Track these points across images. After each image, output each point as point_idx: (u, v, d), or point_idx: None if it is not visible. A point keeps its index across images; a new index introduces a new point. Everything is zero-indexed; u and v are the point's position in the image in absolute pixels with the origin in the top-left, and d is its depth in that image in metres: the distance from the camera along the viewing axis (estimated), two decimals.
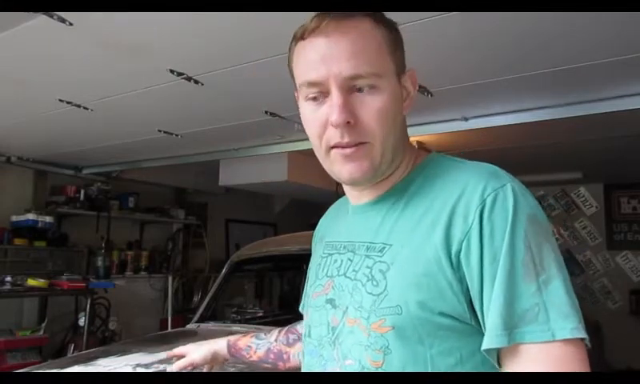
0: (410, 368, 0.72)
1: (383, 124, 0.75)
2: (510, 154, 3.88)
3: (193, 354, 1.23)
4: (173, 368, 1.23)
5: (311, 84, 0.76)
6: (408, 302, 0.72)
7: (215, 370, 1.25)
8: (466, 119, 2.82)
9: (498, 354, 0.68)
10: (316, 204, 6.24)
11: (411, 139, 3.06)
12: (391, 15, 1.74)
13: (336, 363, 0.79)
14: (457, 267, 0.70)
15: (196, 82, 2.30)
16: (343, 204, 0.95)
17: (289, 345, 1.17)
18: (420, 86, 2.34)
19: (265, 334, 1.22)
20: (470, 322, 0.71)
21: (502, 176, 0.74)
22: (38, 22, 1.75)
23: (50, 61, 2.14)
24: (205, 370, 1.23)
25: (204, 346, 1.24)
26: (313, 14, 0.78)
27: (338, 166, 0.78)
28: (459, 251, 0.70)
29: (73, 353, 3.78)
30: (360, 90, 0.75)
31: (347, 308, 0.79)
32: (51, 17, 1.70)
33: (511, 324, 0.66)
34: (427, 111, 2.74)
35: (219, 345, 1.24)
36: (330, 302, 0.83)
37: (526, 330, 0.65)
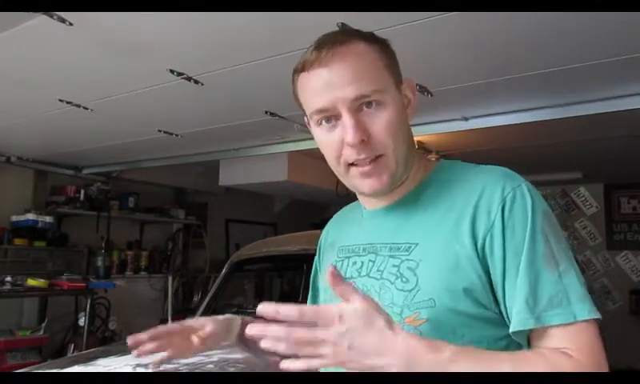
0: None
1: (394, 135, 0.82)
2: (510, 154, 3.88)
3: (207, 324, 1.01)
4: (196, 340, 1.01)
5: (320, 111, 0.82)
6: (441, 295, 0.78)
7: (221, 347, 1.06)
8: (466, 119, 2.82)
9: (528, 336, 0.76)
10: (316, 204, 6.25)
11: None
12: (392, 15, 1.74)
13: None
14: (482, 260, 0.77)
15: (196, 81, 2.30)
16: (352, 210, 1.01)
17: None
18: (420, 86, 2.34)
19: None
20: (495, 310, 0.78)
21: (517, 177, 0.82)
22: (37, 22, 1.75)
23: (50, 61, 2.14)
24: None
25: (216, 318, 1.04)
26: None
27: (359, 181, 0.85)
28: (484, 245, 0.77)
29: (73, 353, 3.78)
30: (368, 107, 0.81)
31: None
32: (51, 17, 1.69)
33: (538, 309, 0.73)
34: (427, 111, 2.74)
35: (235, 320, 1.06)
36: None
37: (552, 314, 0.73)
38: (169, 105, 2.73)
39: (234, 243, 5.79)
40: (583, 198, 5.55)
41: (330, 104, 0.81)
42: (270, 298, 5.67)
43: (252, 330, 0.67)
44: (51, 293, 3.95)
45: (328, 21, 1.67)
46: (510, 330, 0.75)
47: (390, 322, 0.69)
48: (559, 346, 0.72)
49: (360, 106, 0.80)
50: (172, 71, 2.20)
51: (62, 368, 1.86)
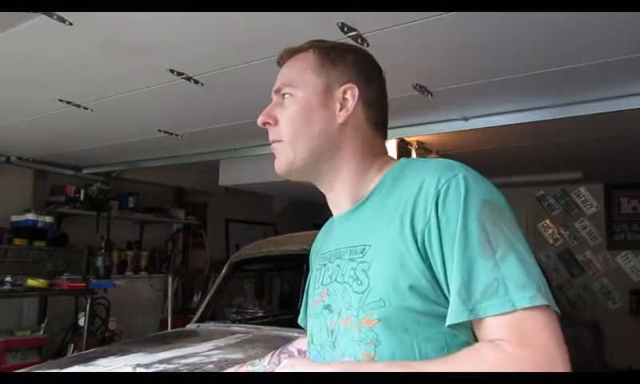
0: (399, 357, 0.77)
1: (294, 127, 0.91)
2: (510, 153, 3.88)
3: None
4: None
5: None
6: (389, 295, 0.78)
7: None
8: (466, 119, 2.82)
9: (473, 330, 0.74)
10: (316, 204, 6.22)
11: (411, 139, 3.05)
12: (392, 15, 1.74)
13: None
14: (425, 257, 0.77)
15: (196, 81, 2.30)
16: (333, 218, 1.02)
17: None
18: (420, 86, 2.35)
19: (259, 360, 1.24)
20: (446, 305, 0.75)
21: (455, 167, 0.81)
22: (37, 22, 1.75)
23: (50, 61, 2.14)
24: None
25: None
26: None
27: None
28: (423, 241, 0.77)
29: (73, 353, 3.78)
30: (285, 98, 0.93)
31: (340, 310, 0.85)
32: (51, 17, 1.70)
33: (472, 300, 0.71)
34: (427, 111, 2.74)
35: None
36: (327, 307, 0.90)
37: (487, 304, 0.70)
38: (169, 105, 2.73)
39: (234, 243, 5.79)
40: (583, 198, 5.55)
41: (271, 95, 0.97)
42: (270, 298, 5.69)
43: None
44: (51, 293, 3.95)
45: (328, 21, 1.68)
46: (446, 324, 0.73)
47: None
48: (496, 338, 0.70)
49: (281, 96, 0.94)
50: (172, 71, 2.20)
51: (61, 368, 1.86)
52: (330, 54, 0.94)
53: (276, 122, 0.93)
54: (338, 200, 0.94)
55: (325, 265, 0.94)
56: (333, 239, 0.96)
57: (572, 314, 4.79)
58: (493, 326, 0.70)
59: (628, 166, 4.44)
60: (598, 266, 5.45)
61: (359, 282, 0.82)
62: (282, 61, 0.98)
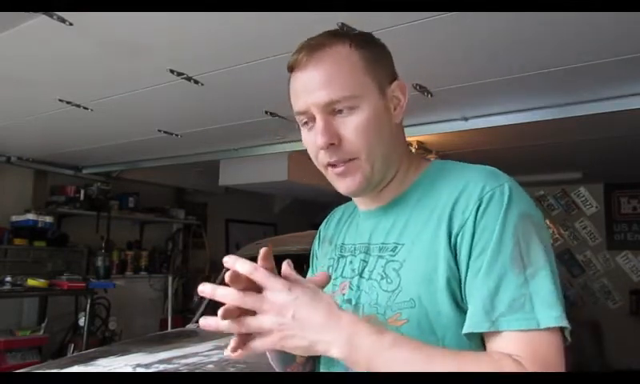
0: None
1: (367, 139, 0.82)
2: (510, 153, 3.88)
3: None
4: None
5: (299, 113, 0.85)
6: (421, 296, 0.77)
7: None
8: (465, 119, 2.82)
9: (482, 339, 0.73)
10: (317, 204, 6.23)
11: (411, 139, 3.06)
12: (392, 15, 1.74)
13: None
14: (456, 259, 0.77)
15: (196, 82, 2.30)
16: (351, 208, 1.01)
17: None
18: (420, 86, 2.35)
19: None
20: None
21: (501, 176, 0.80)
22: (37, 22, 1.75)
23: (50, 61, 2.14)
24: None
25: None
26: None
27: (336, 182, 0.87)
28: (455, 243, 0.77)
29: (73, 353, 3.78)
30: (340, 112, 0.81)
31: (363, 306, 0.84)
32: (51, 17, 1.70)
33: (496, 312, 0.70)
34: (427, 111, 2.74)
35: None
36: (348, 301, 0.88)
37: (511, 318, 0.70)
38: (169, 105, 2.73)
39: (234, 243, 5.79)
40: (583, 198, 5.54)
41: (305, 107, 0.83)
42: None
43: (204, 292, 0.74)
44: (51, 293, 3.95)
45: (328, 21, 1.67)
46: (463, 332, 0.73)
47: (335, 303, 0.71)
48: (512, 352, 0.69)
49: (333, 110, 0.81)
50: (172, 71, 2.20)
51: (61, 368, 1.86)
52: (367, 46, 0.85)
53: (340, 141, 0.82)
54: (376, 198, 0.90)
55: (344, 257, 0.93)
56: (357, 232, 0.94)
57: (572, 314, 4.80)
58: (510, 340, 0.69)
59: (628, 166, 4.44)
60: (598, 266, 5.45)
61: (388, 280, 0.81)
62: (303, 63, 0.83)
